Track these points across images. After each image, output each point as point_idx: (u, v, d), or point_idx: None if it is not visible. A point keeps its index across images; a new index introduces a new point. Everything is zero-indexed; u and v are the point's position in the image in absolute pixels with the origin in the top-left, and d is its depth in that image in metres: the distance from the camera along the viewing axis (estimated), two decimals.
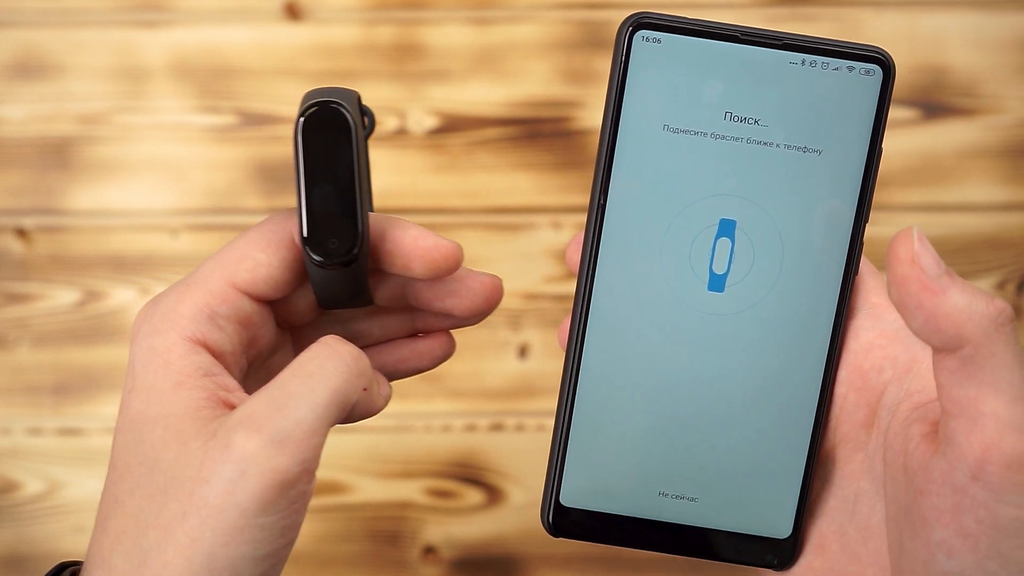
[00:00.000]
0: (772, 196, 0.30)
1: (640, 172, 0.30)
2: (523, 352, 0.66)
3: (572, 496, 0.32)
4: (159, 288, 0.66)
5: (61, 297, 0.67)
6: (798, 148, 0.30)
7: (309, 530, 0.66)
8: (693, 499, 0.31)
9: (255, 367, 0.31)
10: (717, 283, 0.31)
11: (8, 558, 0.66)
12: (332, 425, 0.28)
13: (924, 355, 0.30)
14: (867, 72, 0.30)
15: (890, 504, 0.29)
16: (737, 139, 0.30)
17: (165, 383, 0.28)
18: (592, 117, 0.67)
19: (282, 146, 0.67)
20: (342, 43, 0.67)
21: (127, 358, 0.30)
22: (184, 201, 0.67)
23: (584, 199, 0.71)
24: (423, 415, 0.66)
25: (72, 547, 0.66)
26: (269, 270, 0.29)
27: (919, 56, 0.66)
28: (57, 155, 0.67)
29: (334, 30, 0.67)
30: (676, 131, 0.30)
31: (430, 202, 0.66)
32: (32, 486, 0.66)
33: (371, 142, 0.67)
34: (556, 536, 0.32)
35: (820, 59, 0.30)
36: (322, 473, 0.69)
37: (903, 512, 0.28)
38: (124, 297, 0.66)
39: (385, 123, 0.67)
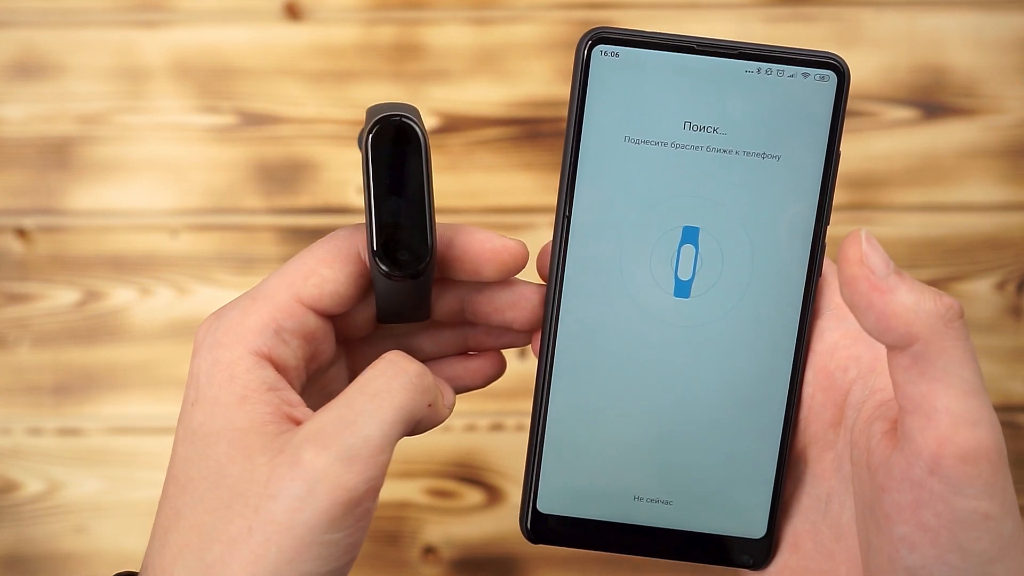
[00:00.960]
0: (734, 202, 0.31)
1: (603, 183, 0.31)
2: (523, 352, 0.66)
3: (549, 503, 0.32)
4: (159, 288, 0.66)
5: (61, 297, 0.67)
6: (757, 154, 0.31)
7: None
8: (668, 502, 0.32)
9: (312, 381, 0.32)
10: (683, 289, 0.31)
11: (8, 558, 0.66)
12: (398, 441, 0.28)
13: (886, 354, 0.30)
14: (822, 78, 0.30)
15: (857, 501, 0.29)
16: (697, 148, 0.31)
17: (230, 397, 0.28)
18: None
19: (282, 146, 0.67)
20: (342, 43, 0.67)
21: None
22: (184, 201, 0.67)
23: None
24: None
25: (72, 547, 0.66)
26: (336, 286, 0.29)
27: (919, 56, 0.66)
28: (57, 155, 0.67)
29: (334, 30, 0.67)
30: (637, 142, 0.31)
31: None
32: (32, 486, 0.66)
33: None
34: (536, 543, 0.33)
35: (775, 67, 0.30)
36: None
37: (868, 509, 0.28)
38: (124, 297, 0.66)
39: None
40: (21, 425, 0.66)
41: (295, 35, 0.67)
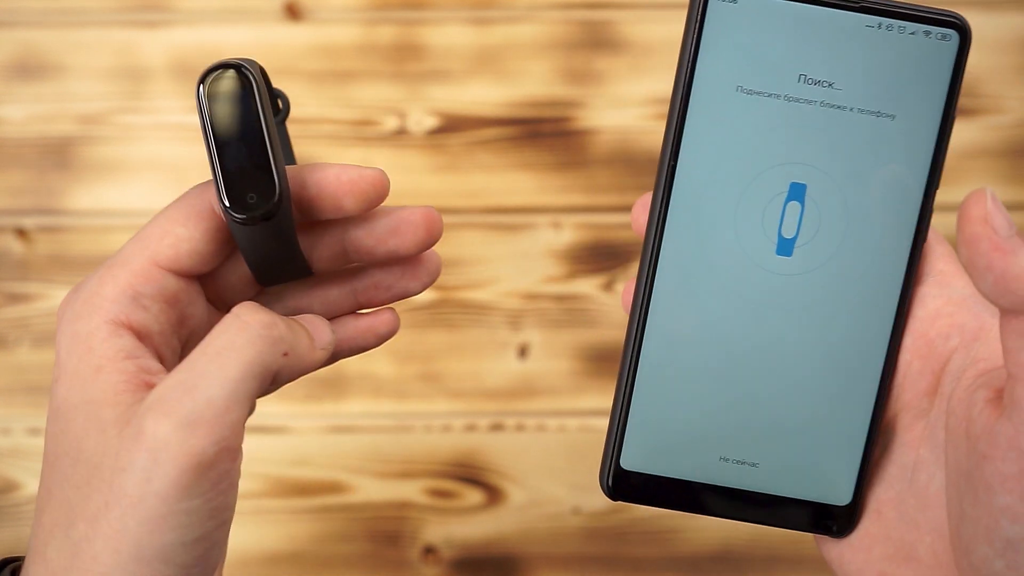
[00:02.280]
0: (844, 161, 0.30)
1: (712, 133, 0.30)
2: (523, 352, 0.66)
3: (633, 459, 0.31)
4: None
5: (61, 297, 0.66)
6: (872, 112, 0.30)
7: (309, 530, 0.66)
8: (754, 464, 0.31)
9: (190, 347, 0.30)
10: (786, 247, 0.31)
11: None
12: (253, 398, 0.27)
13: (992, 323, 0.29)
14: (943, 37, 0.30)
15: (951, 471, 0.28)
16: (811, 102, 0.30)
17: (87, 368, 0.27)
18: (592, 117, 0.67)
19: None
20: (342, 43, 0.67)
21: None
22: None
23: (584, 199, 0.71)
24: (423, 415, 0.66)
25: None
26: (192, 244, 0.29)
27: None
28: (57, 155, 0.67)
29: (334, 30, 0.67)
30: (750, 92, 0.30)
31: (430, 202, 0.66)
32: (32, 486, 0.66)
33: (371, 142, 0.67)
34: (615, 499, 0.32)
35: (897, 23, 0.30)
36: (322, 473, 0.69)
37: (964, 478, 0.27)
38: None
39: (385, 123, 0.67)
40: (21, 425, 0.66)
41: (295, 35, 0.67)
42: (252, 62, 0.29)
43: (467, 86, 0.67)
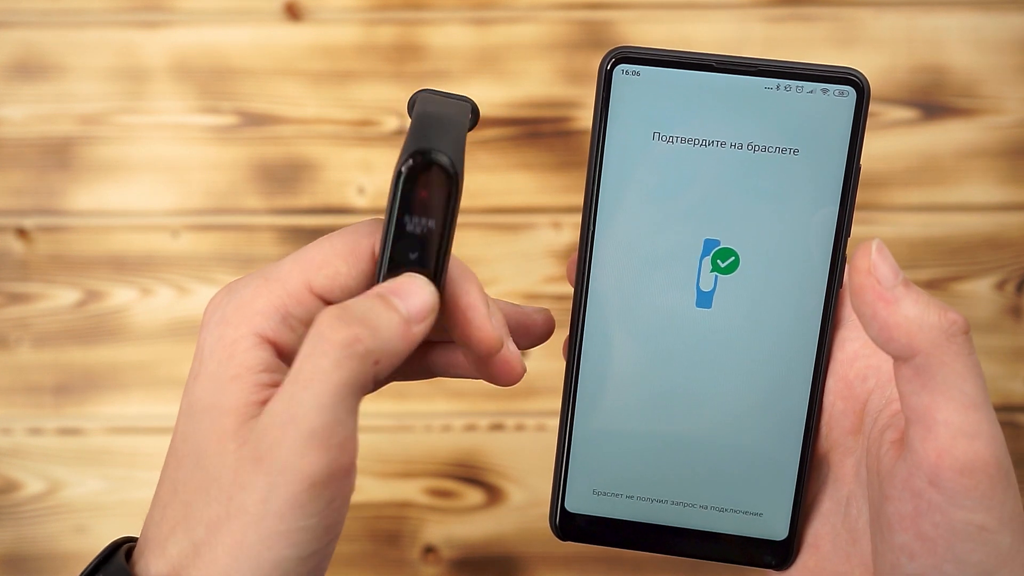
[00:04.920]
0: (755, 215, 0.31)
1: (625, 199, 0.31)
2: (523, 352, 0.66)
3: (577, 502, 0.33)
4: (160, 288, 0.66)
5: (62, 297, 0.67)
6: (779, 168, 0.31)
7: None
8: (692, 504, 0.33)
9: None
10: (705, 300, 0.32)
11: (8, 558, 0.66)
12: (356, 409, 0.27)
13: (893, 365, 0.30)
14: (841, 94, 0.31)
15: (870, 508, 0.30)
16: (719, 162, 0.31)
17: (225, 374, 0.28)
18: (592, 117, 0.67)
19: (282, 146, 0.67)
20: (342, 43, 0.67)
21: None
22: (184, 201, 0.67)
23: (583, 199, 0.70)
24: (423, 415, 0.66)
25: (72, 547, 0.66)
26: (347, 280, 0.30)
27: (919, 56, 0.66)
28: (58, 155, 0.67)
29: (334, 30, 0.67)
30: (659, 156, 0.31)
31: None
32: (32, 486, 0.66)
33: (371, 142, 0.67)
34: (564, 540, 0.33)
35: (795, 83, 0.31)
36: None
37: (876, 515, 0.29)
38: (124, 297, 0.66)
39: (385, 123, 0.67)
40: (22, 425, 0.66)
41: (295, 35, 0.67)
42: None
43: (467, 86, 0.67)
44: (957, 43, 0.66)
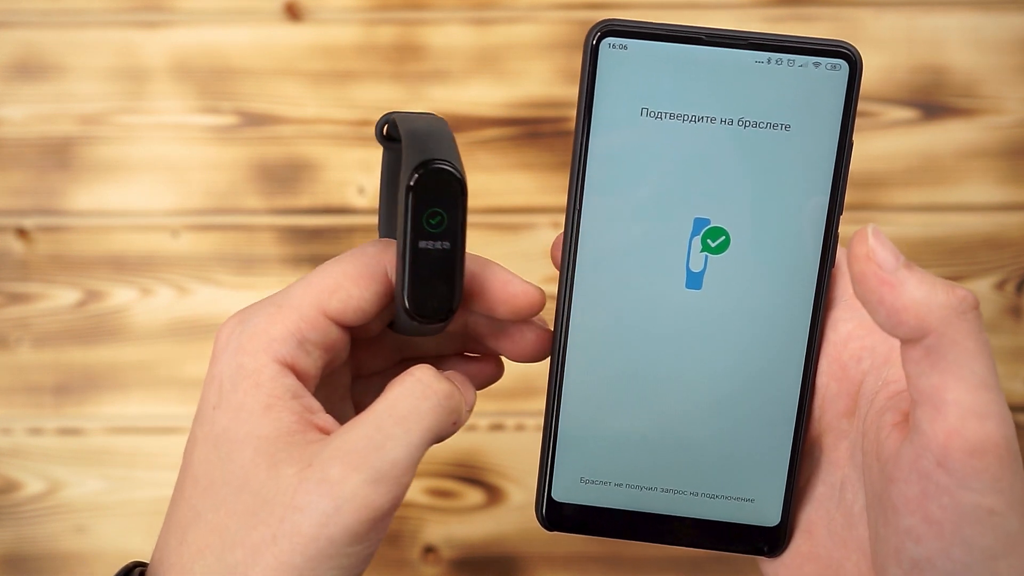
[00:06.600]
0: (746, 193, 0.31)
1: (613, 176, 0.31)
2: None
3: (563, 491, 0.32)
4: (160, 288, 0.66)
5: (62, 297, 0.67)
6: (770, 145, 0.30)
7: None
8: (683, 491, 0.32)
9: (329, 384, 0.32)
10: (695, 280, 0.31)
11: (8, 558, 0.66)
12: (422, 456, 0.28)
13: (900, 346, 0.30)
14: (834, 67, 0.30)
15: (867, 492, 0.29)
16: (708, 139, 0.30)
17: (256, 404, 0.28)
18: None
19: (283, 146, 0.67)
20: (342, 43, 0.67)
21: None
22: (184, 201, 0.67)
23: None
24: None
25: (72, 547, 0.66)
26: (361, 303, 0.30)
27: (919, 56, 0.66)
28: (57, 155, 0.67)
29: (334, 30, 0.67)
30: (647, 134, 0.30)
31: None
32: (32, 486, 0.66)
33: (371, 142, 0.67)
34: (551, 530, 0.33)
35: (786, 56, 0.30)
36: None
37: (876, 499, 0.28)
38: (124, 297, 0.66)
39: None
40: (22, 425, 0.66)
41: (295, 35, 0.67)
42: (458, 170, 0.29)
43: (467, 86, 0.67)
44: (957, 43, 0.66)
